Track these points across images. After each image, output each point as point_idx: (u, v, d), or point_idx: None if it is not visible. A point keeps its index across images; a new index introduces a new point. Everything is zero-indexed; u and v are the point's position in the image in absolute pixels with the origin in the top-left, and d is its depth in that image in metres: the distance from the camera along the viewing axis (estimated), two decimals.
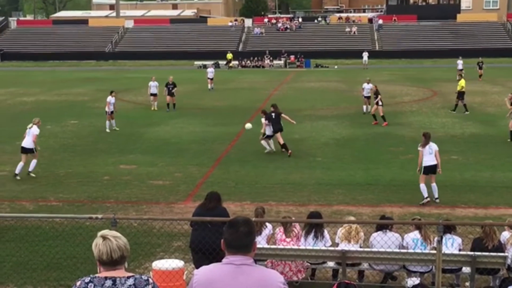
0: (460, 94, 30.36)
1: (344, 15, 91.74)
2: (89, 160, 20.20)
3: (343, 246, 9.83)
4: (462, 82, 30.33)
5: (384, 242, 9.70)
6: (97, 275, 4.14)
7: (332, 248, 9.86)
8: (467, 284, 9.71)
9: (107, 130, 26.02)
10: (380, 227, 10.05)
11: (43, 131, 25.76)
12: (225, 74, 58.07)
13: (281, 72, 60.88)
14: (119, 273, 4.13)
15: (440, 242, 8.27)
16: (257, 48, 74.73)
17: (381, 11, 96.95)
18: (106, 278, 4.10)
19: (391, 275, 10.26)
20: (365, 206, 14.78)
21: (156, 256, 10.95)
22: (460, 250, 9.69)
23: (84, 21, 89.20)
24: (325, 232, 10.24)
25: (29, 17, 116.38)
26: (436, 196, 14.90)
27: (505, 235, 9.89)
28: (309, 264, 10.08)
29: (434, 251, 8.68)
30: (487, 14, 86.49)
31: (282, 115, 21.36)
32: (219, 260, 4.40)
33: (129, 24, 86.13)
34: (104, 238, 4.12)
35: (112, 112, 26.15)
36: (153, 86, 31.99)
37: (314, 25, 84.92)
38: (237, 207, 14.46)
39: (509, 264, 9.30)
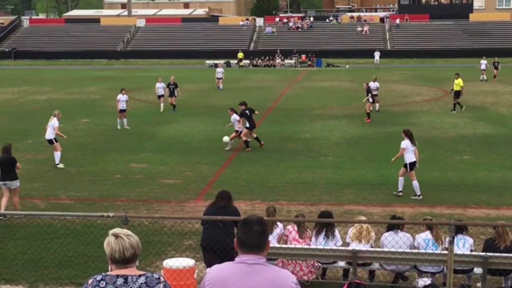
0: (457, 93, 30.24)
1: (355, 14, 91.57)
2: (101, 159, 20.28)
3: (354, 245, 9.81)
4: (461, 82, 30.20)
5: (395, 242, 9.66)
6: (108, 273, 4.15)
7: (343, 248, 9.84)
8: (479, 284, 9.66)
9: (118, 127, 26.20)
10: (391, 227, 10.02)
11: None
12: (236, 73, 58.12)
13: (292, 72, 60.83)
14: (131, 271, 4.14)
15: (451, 242, 8.24)
16: (269, 47, 74.70)
17: (393, 11, 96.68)
18: (117, 276, 4.11)
19: (402, 275, 10.22)
20: (376, 206, 14.74)
21: (167, 254, 10.98)
22: (471, 250, 9.64)
23: (96, 20, 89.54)
24: (336, 231, 10.22)
25: (41, 16, 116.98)
26: (418, 193, 15.28)
27: None
28: (320, 264, 10.07)
29: (446, 252, 8.65)
30: (500, 13, 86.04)
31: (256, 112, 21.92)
32: (230, 259, 4.40)
33: (141, 23, 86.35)
34: (117, 236, 4.13)
35: (123, 110, 26.32)
36: (160, 88, 31.73)
37: (326, 25, 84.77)
38: (248, 206, 14.47)
39: None
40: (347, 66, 65.07)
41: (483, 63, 47.44)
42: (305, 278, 9.79)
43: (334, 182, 16.92)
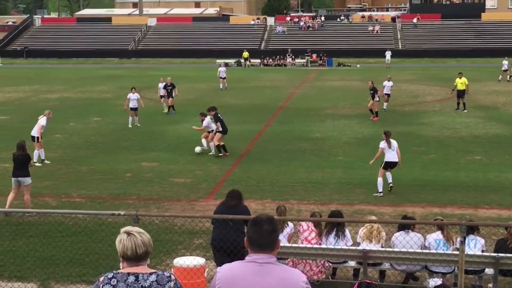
0: (461, 93, 30.14)
1: (367, 13, 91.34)
2: (112, 157, 20.34)
3: (365, 245, 9.79)
4: (466, 81, 30.11)
5: (406, 242, 9.63)
6: (120, 271, 4.17)
7: (353, 248, 9.82)
8: (490, 285, 9.61)
9: (129, 126, 26.32)
10: (402, 227, 9.99)
11: (66, 128, 26.12)
12: (246, 72, 58.15)
13: (303, 71, 60.77)
14: (142, 269, 4.15)
15: (463, 242, 8.20)
16: (279, 47, 74.66)
17: (405, 10, 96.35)
18: (129, 274, 4.13)
19: (413, 276, 10.19)
20: (387, 205, 14.70)
21: (177, 253, 11.00)
22: (483, 251, 9.59)
23: (107, 19, 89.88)
24: (347, 231, 10.20)
25: (53, 15, 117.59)
26: (390, 181, 15.69)
27: None
28: (330, 264, 10.06)
29: (457, 252, 8.61)
30: None
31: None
32: (240, 258, 4.39)
33: (152, 22, 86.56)
34: (129, 234, 4.15)
35: (134, 108, 26.53)
36: (162, 88, 31.42)
37: (337, 24, 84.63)
38: (258, 206, 14.47)
39: None
40: (358, 66, 64.92)
41: (505, 63, 46.80)
42: (315, 277, 9.78)
43: (344, 182, 16.89)
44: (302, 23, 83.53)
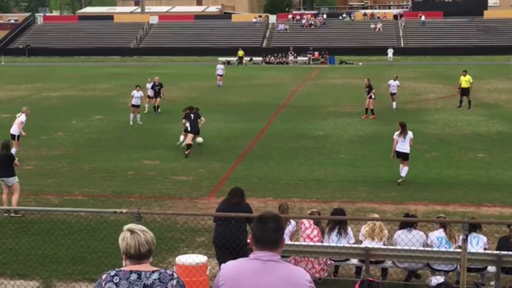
0: (465, 91, 30.11)
1: (369, 11, 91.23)
2: (114, 155, 20.36)
3: (367, 243, 9.78)
4: (470, 78, 30.08)
5: (409, 240, 9.63)
6: (122, 268, 4.17)
7: (355, 245, 9.82)
8: (492, 283, 9.60)
9: (130, 123, 26.40)
10: (404, 225, 9.98)
11: (68, 126, 26.15)
12: (248, 70, 58.15)
13: (305, 69, 60.74)
14: (144, 267, 4.15)
15: (465, 240, 8.19)
16: (281, 45, 74.63)
17: (407, 8, 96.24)
18: (131, 271, 4.13)
19: (415, 273, 10.19)
20: (389, 203, 14.69)
21: (179, 251, 11.01)
22: (485, 249, 9.58)
23: (109, 17, 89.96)
24: (349, 229, 10.19)
25: (55, 13, 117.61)
26: (403, 175, 16.34)
27: None
28: (332, 261, 10.06)
29: (459, 250, 8.60)
30: None
31: (202, 118, 21.24)
32: (243, 256, 4.40)
33: (154, 20, 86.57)
34: (132, 232, 4.15)
35: (136, 105, 26.64)
36: (150, 88, 30.11)
37: (339, 22, 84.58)
38: (260, 203, 14.47)
39: None
40: (360, 64, 64.86)
41: None
42: (317, 275, 9.79)
43: (346, 180, 16.89)
44: (304, 21, 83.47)
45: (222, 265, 4.32)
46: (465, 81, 30.18)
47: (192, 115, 20.65)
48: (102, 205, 14.48)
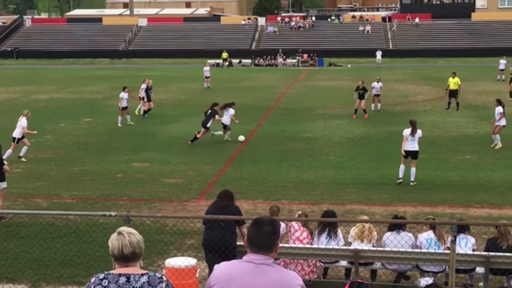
0: (453, 92, 30.27)
1: (357, 13, 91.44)
2: (103, 158, 20.29)
3: (356, 245, 9.81)
4: (458, 80, 30.24)
5: (397, 241, 9.67)
6: (111, 271, 4.16)
7: (345, 247, 9.84)
8: (481, 284, 9.66)
9: (119, 125, 26.44)
10: (393, 227, 10.02)
11: (56, 129, 26.04)
12: (238, 72, 58.16)
13: (294, 71, 60.81)
14: (133, 270, 4.15)
15: (453, 242, 8.23)
16: (270, 47, 74.68)
17: (395, 10, 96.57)
18: (120, 275, 4.12)
19: (404, 275, 10.22)
20: (378, 205, 14.74)
21: (169, 254, 10.99)
22: (474, 250, 9.63)
23: (98, 20, 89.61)
24: (339, 231, 10.21)
25: (43, 16, 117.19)
26: (412, 179, 16.32)
27: None
28: (321, 263, 10.08)
29: (448, 251, 8.64)
30: (502, 12, 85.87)
31: (217, 116, 22.64)
32: (232, 258, 4.40)
33: (143, 22, 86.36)
34: (119, 233, 4.15)
35: (125, 107, 26.61)
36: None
37: (328, 24, 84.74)
38: (250, 206, 14.47)
39: None
40: (349, 66, 65.01)
41: (502, 62, 46.63)
42: (307, 277, 9.79)
43: (336, 182, 16.92)
44: (293, 23, 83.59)
45: (215, 266, 4.32)
46: (453, 83, 30.33)
47: (209, 111, 22.52)
48: (91, 208, 14.42)
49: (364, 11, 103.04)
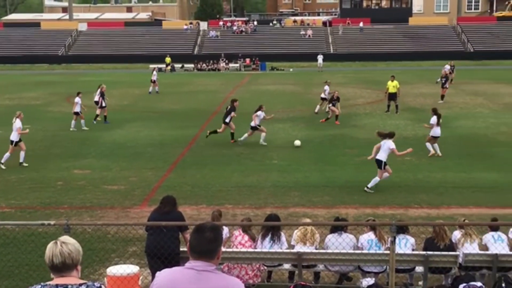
0: (392, 95, 30.93)
1: (299, 18, 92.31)
2: (42, 165, 19.85)
3: (299, 248, 9.89)
4: (397, 84, 30.88)
5: (339, 243, 9.79)
6: (48, 282, 4.08)
7: (288, 251, 9.91)
8: (420, 283, 9.87)
9: (72, 128, 26.64)
10: (335, 229, 10.15)
11: None
12: (180, 77, 57.86)
13: (237, 75, 60.92)
14: (71, 280, 4.08)
15: (393, 242, 8.40)
16: (213, 51, 74.64)
17: (335, 15, 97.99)
18: (57, 285, 4.04)
19: (346, 276, 10.37)
20: (321, 207, 14.90)
21: (111, 262, 10.83)
22: (413, 250, 9.85)
23: (36, 24, 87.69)
24: (282, 235, 10.25)
25: None
26: (368, 185, 16.40)
27: (456, 234, 10.09)
28: (265, 267, 10.12)
29: (388, 252, 8.81)
30: (438, 17, 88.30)
31: (233, 113, 23.53)
32: (175, 265, 4.38)
33: (83, 27, 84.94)
34: (54, 242, 4.08)
35: (78, 112, 26.69)
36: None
37: (269, 28, 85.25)
38: (193, 211, 14.41)
39: (460, 263, 9.50)
40: (291, 70, 65.58)
41: (447, 67, 47.30)
42: (251, 281, 9.82)
43: (279, 185, 17.03)
44: (235, 28, 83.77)
45: (157, 273, 4.29)
46: (392, 86, 30.94)
47: (228, 107, 23.88)
48: (30, 217, 14.08)
49: (305, 15, 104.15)
